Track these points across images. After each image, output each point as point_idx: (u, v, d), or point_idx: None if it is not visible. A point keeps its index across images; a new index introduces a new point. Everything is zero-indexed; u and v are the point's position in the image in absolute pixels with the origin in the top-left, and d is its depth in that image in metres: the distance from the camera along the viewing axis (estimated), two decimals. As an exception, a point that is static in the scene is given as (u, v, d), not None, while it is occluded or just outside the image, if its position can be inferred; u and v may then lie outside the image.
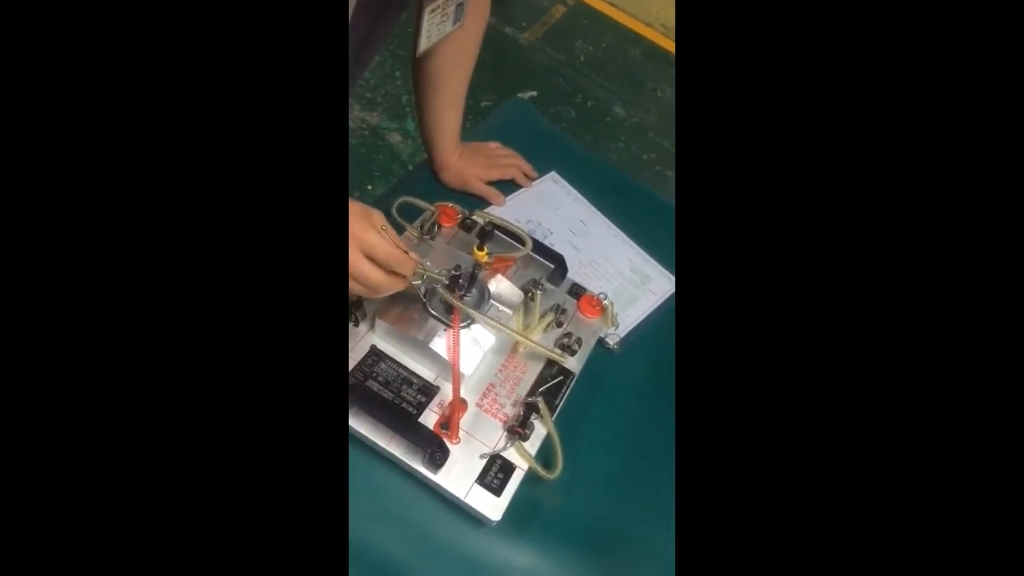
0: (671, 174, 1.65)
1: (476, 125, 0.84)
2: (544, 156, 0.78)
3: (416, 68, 0.67)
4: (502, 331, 0.52)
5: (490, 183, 0.72)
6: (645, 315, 0.66)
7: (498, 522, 0.47)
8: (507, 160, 0.74)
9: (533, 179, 0.75)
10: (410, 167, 1.47)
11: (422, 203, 0.62)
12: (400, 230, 0.61)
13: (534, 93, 1.75)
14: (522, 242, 0.60)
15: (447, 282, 0.51)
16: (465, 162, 0.71)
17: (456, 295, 0.51)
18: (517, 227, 0.61)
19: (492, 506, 0.47)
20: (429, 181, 0.74)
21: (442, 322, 0.52)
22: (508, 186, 0.74)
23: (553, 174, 0.77)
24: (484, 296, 0.54)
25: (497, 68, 1.76)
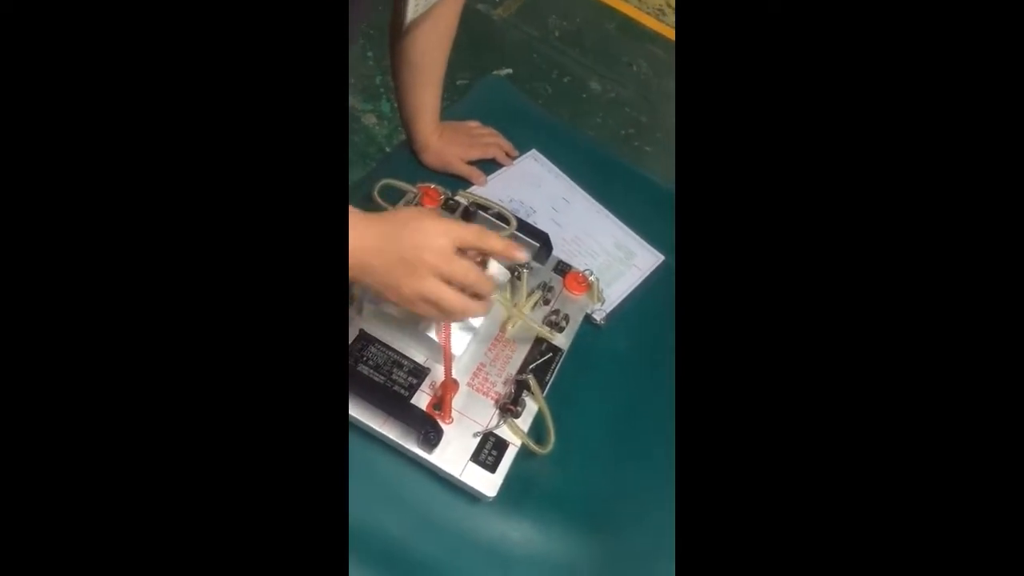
0: (649, 149, 1.65)
1: (452, 104, 0.83)
2: (523, 133, 0.78)
3: (394, 47, 0.66)
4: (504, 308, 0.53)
5: (471, 162, 0.72)
6: (630, 290, 0.67)
7: (494, 498, 0.48)
8: (487, 139, 0.74)
9: (514, 157, 0.75)
10: (387, 149, 1.45)
11: (404, 185, 0.61)
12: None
13: (510, 70, 1.73)
14: (506, 221, 0.60)
15: None
16: (445, 142, 0.71)
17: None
18: (501, 206, 0.61)
19: (487, 482, 0.48)
20: (408, 163, 0.73)
21: (430, 304, 0.52)
22: (489, 165, 0.74)
23: (534, 152, 0.77)
24: (471, 276, 0.54)
25: (471, 46, 1.73)
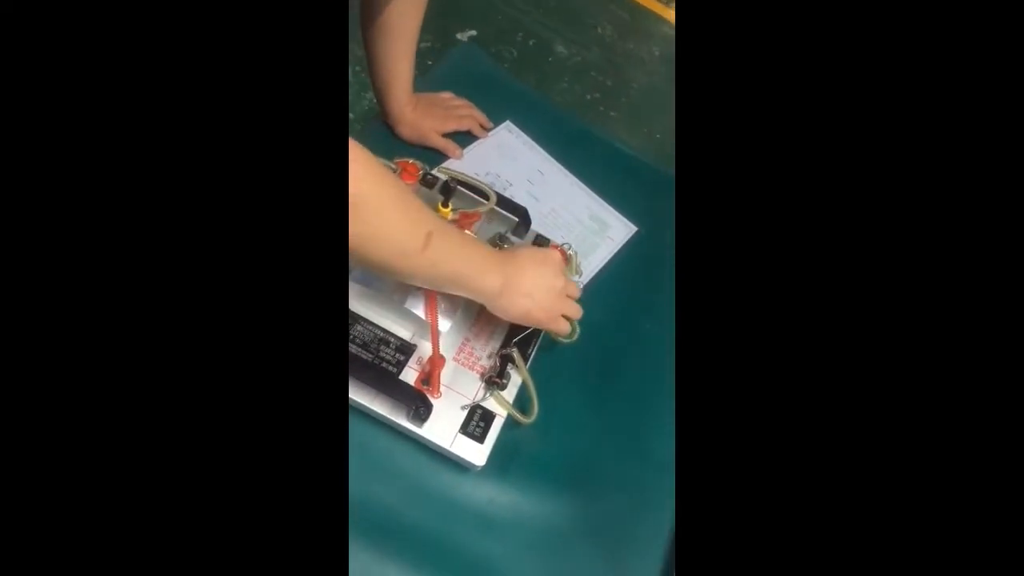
0: (615, 114, 1.66)
1: (424, 73, 0.82)
2: (496, 103, 0.78)
3: (367, 16, 0.64)
4: None
5: (446, 135, 0.71)
6: (605, 261, 0.69)
7: (482, 467, 0.50)
8: (462, 111, 0.73)
9: (488, 129, 0.75)
10: (351, 114, 1.42)
11: (383, 161, 0.61)
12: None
13: (473, 32, 1.69)
14: (486, 196, 0.61)
15: None
16: (421, 114, 0.70)
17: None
18: (480, 181, 0.61)
19: (476, 452, 0.50)
20: (380, 136, 0.73)
21: (415, 282, 0.52)
22: (464, 138, 0.73)
23: (508, 123, 0.77)
24: (454, 253, 0.55)
25: (433, 7, 1.68)
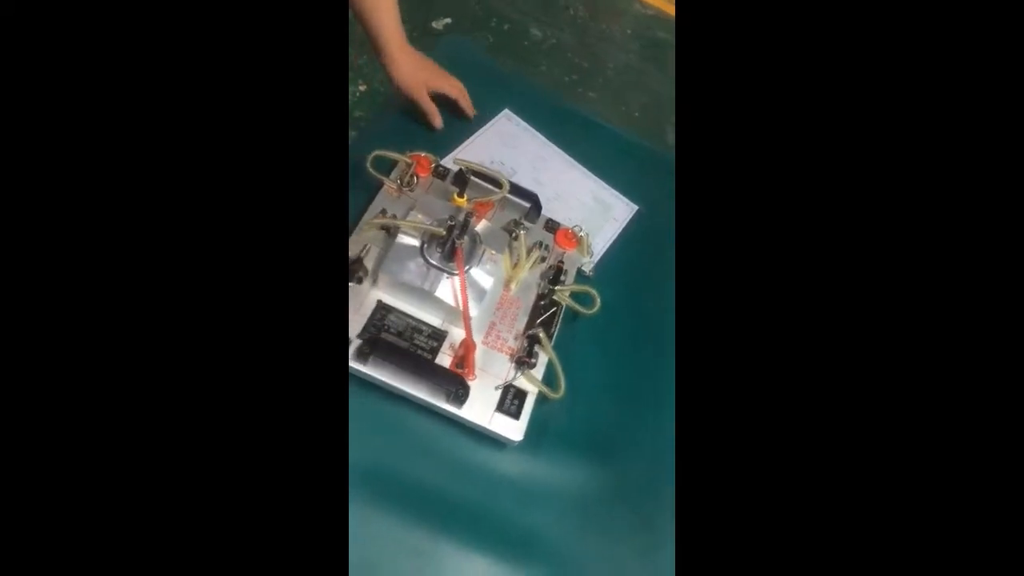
0: (593, 94, 1.68)
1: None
2: (490, 93, 0.79)
3: None
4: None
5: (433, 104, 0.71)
6: (612, 240, 0.72)
7: (519, 442, 0.53)
8: (454, 80, 0.74)
9: (473, 113, 0.76)
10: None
11: (396, 155, 0.62)
12: (378, 185, 0.62)
13: (449, 20, 1.69)
14: (498, 184, 0.63)
15: (444, 233, 0.54)
16: (417, 64, 0.70)
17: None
18: (492, 170, 0.63)
19: (514, 428, 0.53)
20: (381, 135, 0.74)
21: (443, 270, 0.55)
22: (463, 130, 0.75)
23: (506, 111, 0.79)
24: (476, 242, 0.57)
25: (406, -6, 1.68)
